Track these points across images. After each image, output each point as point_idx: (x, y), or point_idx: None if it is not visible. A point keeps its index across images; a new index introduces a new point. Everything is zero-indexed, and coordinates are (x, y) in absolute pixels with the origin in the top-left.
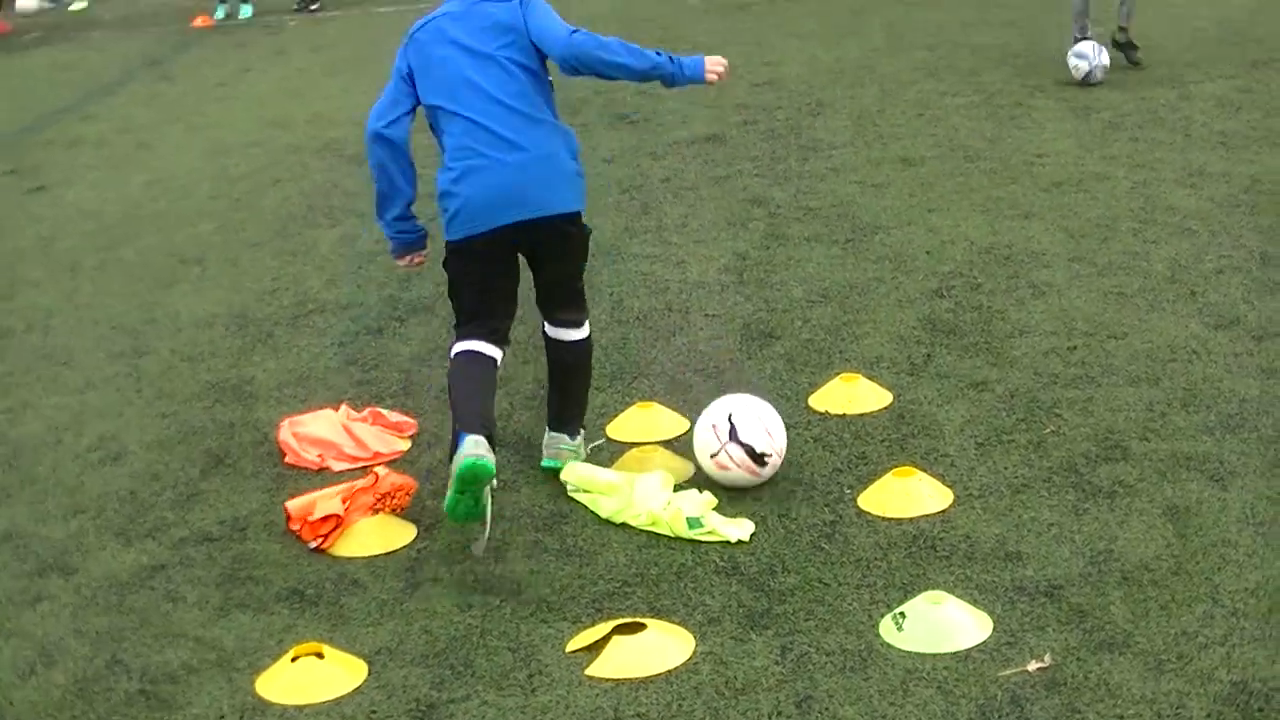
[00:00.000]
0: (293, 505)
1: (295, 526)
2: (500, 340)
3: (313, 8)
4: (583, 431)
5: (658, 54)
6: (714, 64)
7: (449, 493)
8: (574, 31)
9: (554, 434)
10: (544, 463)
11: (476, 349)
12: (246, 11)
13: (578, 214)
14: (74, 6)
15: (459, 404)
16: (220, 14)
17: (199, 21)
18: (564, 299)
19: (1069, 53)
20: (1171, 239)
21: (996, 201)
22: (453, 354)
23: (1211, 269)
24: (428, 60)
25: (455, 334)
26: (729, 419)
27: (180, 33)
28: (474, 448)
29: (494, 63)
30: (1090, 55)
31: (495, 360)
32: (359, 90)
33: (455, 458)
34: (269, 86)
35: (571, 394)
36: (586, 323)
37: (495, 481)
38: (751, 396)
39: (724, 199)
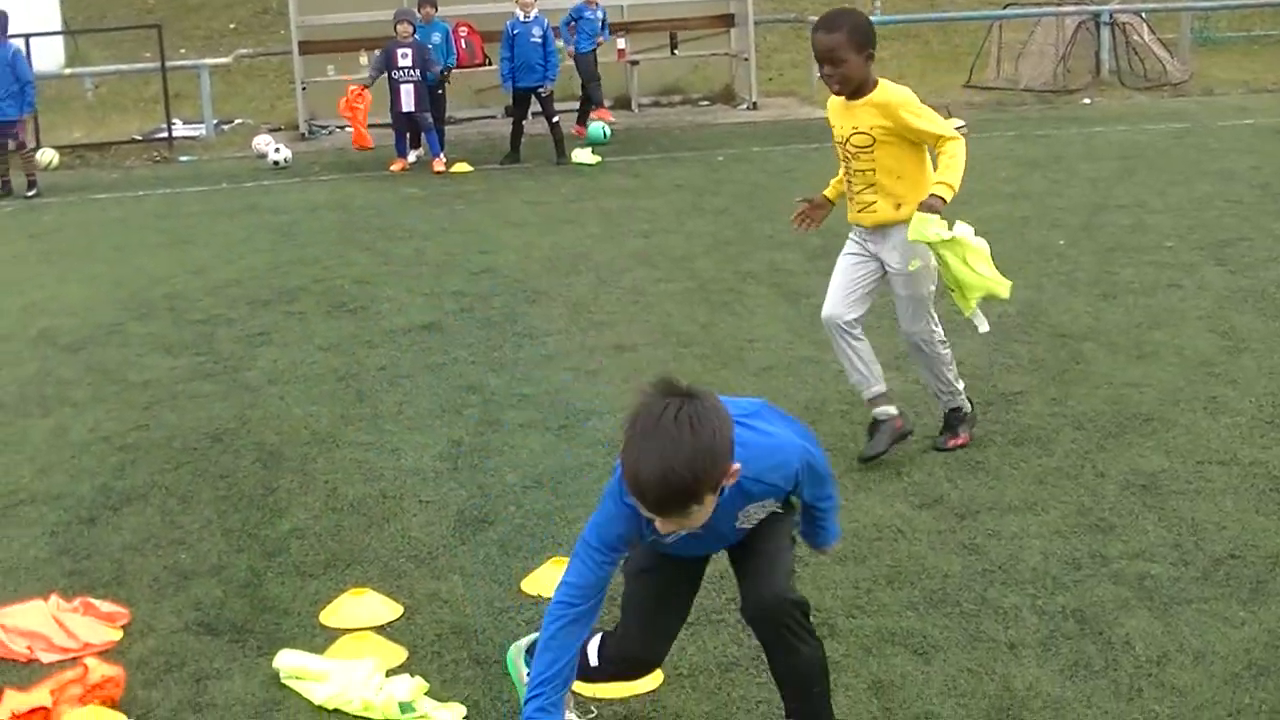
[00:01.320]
0: (9, 695)
1: (2, 718)
2: None
3: (29, 194)
4: None
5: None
6: None
7: None
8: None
9: None
10: None
11: None
12: None
13: None
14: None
15: None
16: None
17: None
18: None
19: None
20: None
21: (708, 386)
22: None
23: (916, 450)
24: None
25: None
26: None
27: None
28: None
29: None
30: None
31: None
32: (74, 279)
33: None
34: None
35: None
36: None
37: None
38: None
39: (440, 386)
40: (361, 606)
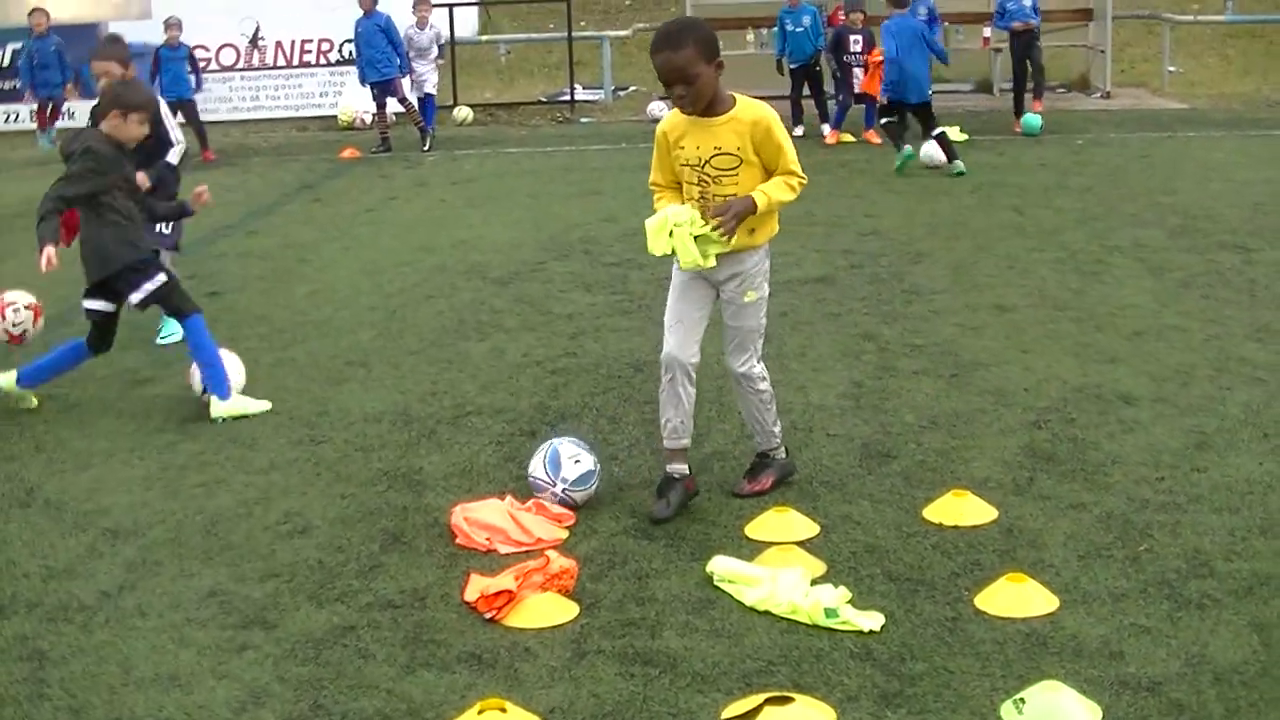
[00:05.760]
0: (475, 578)
1: (471, 597)
2: None
3: (424, 148)
4: None
5: None
6: None
7: None
8: None
9: None
10: None
11: None
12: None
13: None
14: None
15: None
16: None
17: (347, 153)
18: None
19: None
20: (1244, 386)
21: (1085, 347)
22: None
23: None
24: None
25: None
26: None
27: (329, 161)
28: None
29: None
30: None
31: None
32: (497, 222)
33: None
34: (414, 214)
35: None
36: None
37: None
38: None
39: (837, 334)
40: (783, 522)
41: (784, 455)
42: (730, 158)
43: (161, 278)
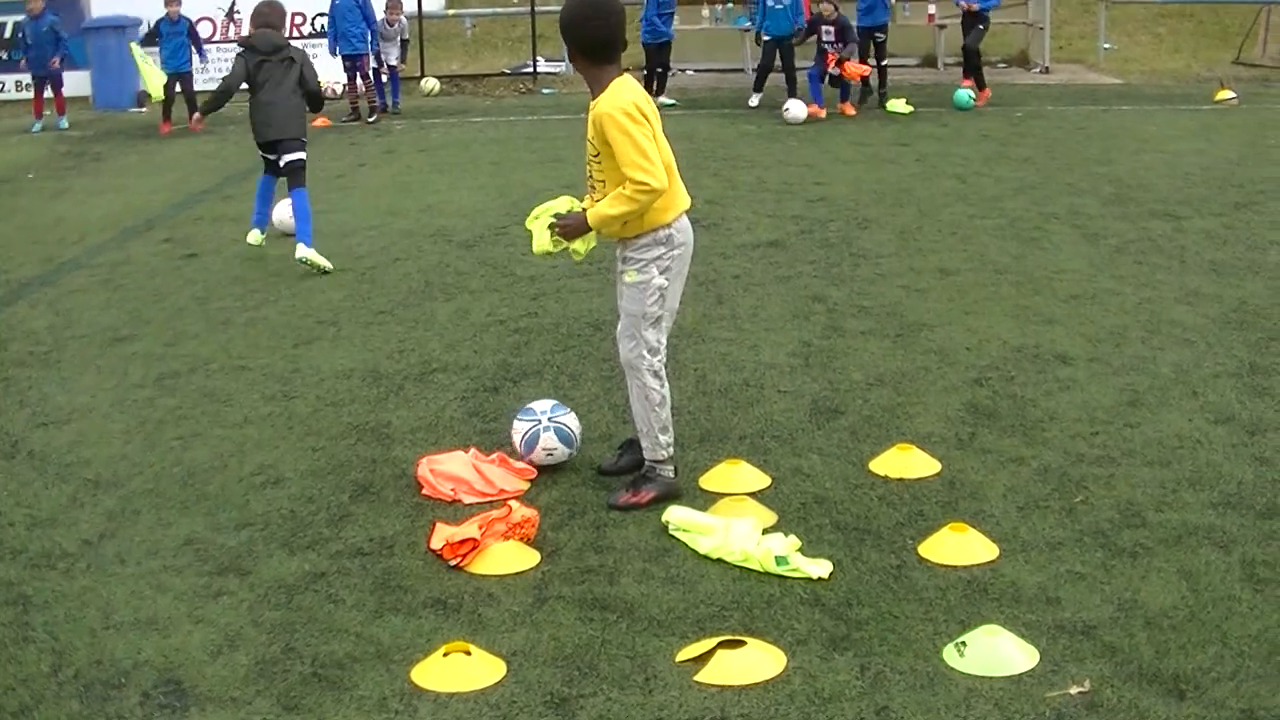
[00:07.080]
0: (440, 527)
1: (437, 545)
2: None
3: (370, 120)
4: None
5: None
6: None
7: None
8: None
9: None
10: None
11: None
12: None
13: None
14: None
15: None
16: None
17: (318, 122)
18: None
19: None
20: (1174, 347)
21: (1024, 309)
22: None
23: (1209, 374)
24: None
25: None
26: None
27: None
28: None
29: None
30: None
31: None
32: (462, 187)
33: None
34: (382, 181)
35: None
36: None
37: None
38: None
39: (788, 295)
40: (736, 474)
41: (671, 475)
42: (590, 146)
43: None
